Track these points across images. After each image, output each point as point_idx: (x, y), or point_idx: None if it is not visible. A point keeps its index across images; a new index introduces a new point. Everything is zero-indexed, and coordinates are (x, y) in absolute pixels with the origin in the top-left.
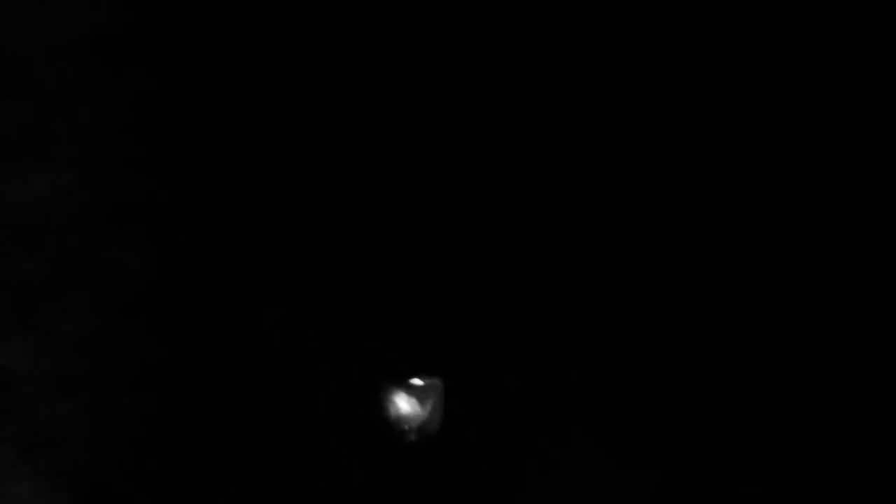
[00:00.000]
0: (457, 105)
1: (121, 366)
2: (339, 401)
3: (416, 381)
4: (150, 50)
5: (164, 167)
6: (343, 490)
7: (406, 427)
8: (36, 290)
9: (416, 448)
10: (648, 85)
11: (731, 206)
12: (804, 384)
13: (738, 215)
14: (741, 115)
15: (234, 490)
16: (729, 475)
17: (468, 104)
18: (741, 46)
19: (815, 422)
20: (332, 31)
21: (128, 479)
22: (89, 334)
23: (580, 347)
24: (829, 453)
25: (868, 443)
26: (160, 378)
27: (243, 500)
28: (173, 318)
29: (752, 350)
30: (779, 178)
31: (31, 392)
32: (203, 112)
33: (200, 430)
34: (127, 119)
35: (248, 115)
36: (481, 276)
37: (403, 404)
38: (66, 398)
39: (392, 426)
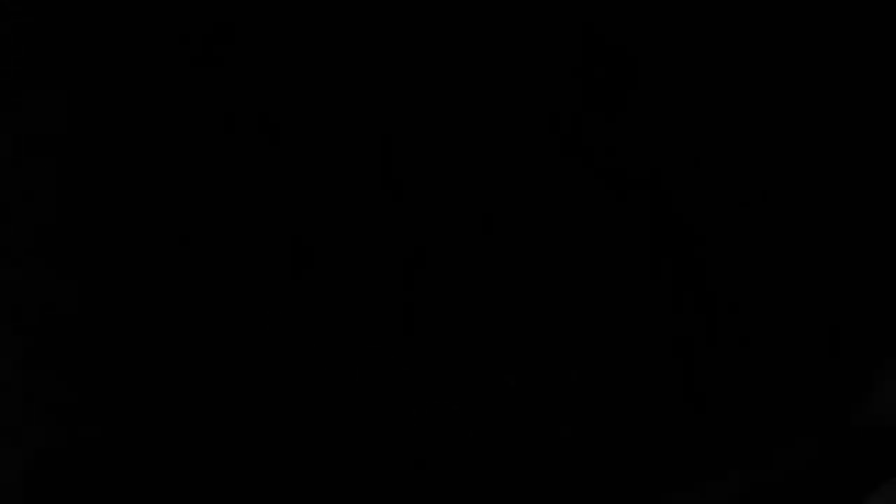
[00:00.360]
0: (443, 105)
1: (52, 404)
2: (325, 406)
3: None
4: (55, 56)
5: (76, 181)
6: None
7: None
8: None
9: (414, 449)
10: (647, 84)
11: (730, 205)
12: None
13: (738, 215)
14: (740, 114)
15: None
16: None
17: (458, 104)
18: (740, 45)
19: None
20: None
21: None
22: (15, 374)
23: (580, 347)
24: None
25: None
26: (99, 411)
27: None
28: (103, 349)
29: (748, 347)
30: (778, 178)
31: None
32: (122, 119)
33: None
34: (32, 134)
35: (168, 120)
36: (481, 277)
37: None
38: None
39: None
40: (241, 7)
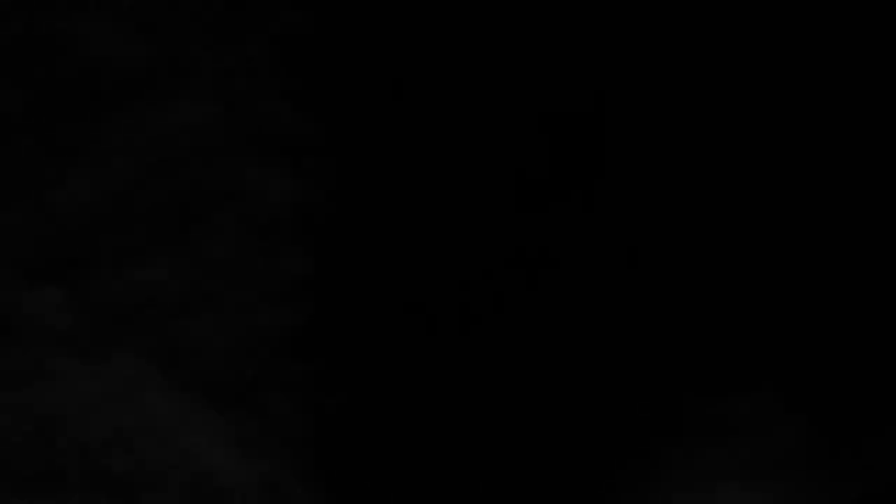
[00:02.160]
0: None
1: (261, 281)
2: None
3: None
4: None
5: (314, 101)
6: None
7: None
8: (181, 211)
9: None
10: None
11: (731, 207)
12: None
13: (738, 218)
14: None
15: (379, 397)
16: None
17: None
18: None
19: None
20: None
21: (265, 390)
22: (232, 252)
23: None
24: None
25: None
26: (300, 293)
27: (388, 407)
28: (314, 238)
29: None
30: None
31: (174, 307)
32: (357, 49)
33: (342, 342)
34: (277, 54)
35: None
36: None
37: None
38: (207, 312)
39: None
40: None
